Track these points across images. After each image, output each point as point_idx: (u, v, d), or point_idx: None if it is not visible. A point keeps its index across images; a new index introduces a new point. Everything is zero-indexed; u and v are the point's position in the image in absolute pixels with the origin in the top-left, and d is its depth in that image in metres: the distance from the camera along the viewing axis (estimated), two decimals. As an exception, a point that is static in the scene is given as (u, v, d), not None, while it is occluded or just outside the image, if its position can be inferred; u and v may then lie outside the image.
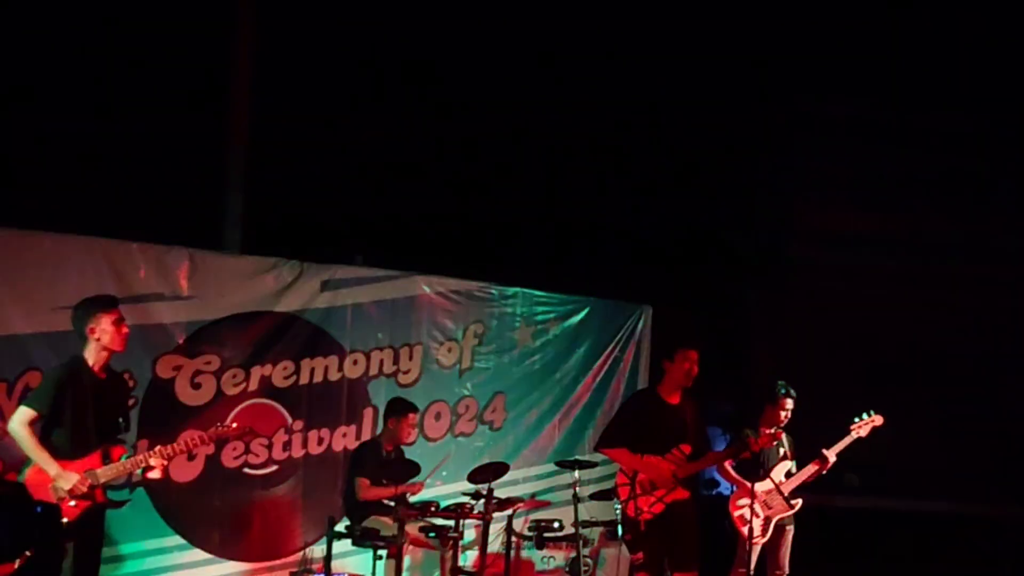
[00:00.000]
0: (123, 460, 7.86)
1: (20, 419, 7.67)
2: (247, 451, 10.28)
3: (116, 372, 8.08)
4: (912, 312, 13.26)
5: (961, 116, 13.45)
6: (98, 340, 7.80)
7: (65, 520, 7.62)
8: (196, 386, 10.04)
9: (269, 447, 10.38)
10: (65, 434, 7.71)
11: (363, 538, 9.50)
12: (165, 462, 7.98)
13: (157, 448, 7.97)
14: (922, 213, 13.31)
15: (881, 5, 12.81)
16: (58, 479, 7.60)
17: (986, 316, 13.40)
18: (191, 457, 9.90)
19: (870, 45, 13.02)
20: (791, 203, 13.04)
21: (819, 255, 13.04)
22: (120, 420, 8.00)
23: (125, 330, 7.93)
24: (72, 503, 7.64)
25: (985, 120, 13.47)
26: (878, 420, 10.16)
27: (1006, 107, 13.39)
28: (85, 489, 7.66)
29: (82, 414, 7.75)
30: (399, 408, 10.30)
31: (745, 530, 9.80)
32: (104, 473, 7.76)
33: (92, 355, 7.83)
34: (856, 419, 10.16)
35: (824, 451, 10.08)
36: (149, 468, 7.91)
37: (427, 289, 11.10)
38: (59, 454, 7.65)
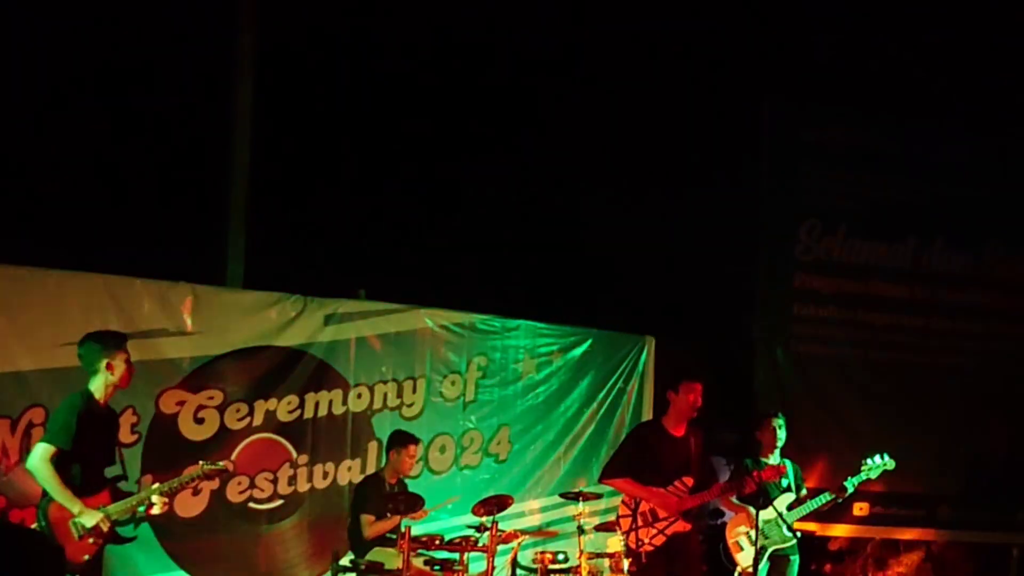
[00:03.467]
0: (131, 496, 7.85)
1: (42, 455, 7.58)
2: (252, 486, 10.28)
3: (112, 408, 8.06)
4: (917, 341, 13.25)
5: (963, 144, 13.48)
6: (111, 375, 7.80)
7: (87, 557, 7.61)
8: (199, 421, 10.05)
9: (274, 481, 10.39)
10: (79, 470, 7.68)
11: (367, 572, 9.49)
12: (166, 499, 7.97)
13: (155, 485, 7.97)
14: (926, 241, 13.32)
15: (883, 36, 12.86)
16: (80, 516, 7.58)
17: (991, 344, 13.39)
18: (196, 492, 9.93)
19: (872, 74, 13.07)
20: (794, 232, 13.03)
21: (822, 284, 13.04)
22: (116, 454, 8.01)
23: (133, 369, 7.96)
24: (91, 540, 7.64)
25: (987, 148, 13.51)
26: (891, 465, 10.14)
27: (1007, 134, 13.43)
28: (106, 527, 7.66)
29: (93, 449, 7.76)
30: (399, 440, 10.28)
31: (738, 557, 9.84)
32: (115, 509, 7.75)
33: (100, 390, 7.82)
34: (869, 460, 10.12)
35: (844, 483, 10.05)
36: (151, 505, 7.90)
37: (430, 322, 11.11)
38: (75, 490, 7.62)
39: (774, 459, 10.15)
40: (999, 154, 13.53)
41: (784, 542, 10.03)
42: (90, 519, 7.59)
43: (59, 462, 7.58)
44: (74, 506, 7.57)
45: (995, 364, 13.31)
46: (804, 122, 13.21)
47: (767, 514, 9.87)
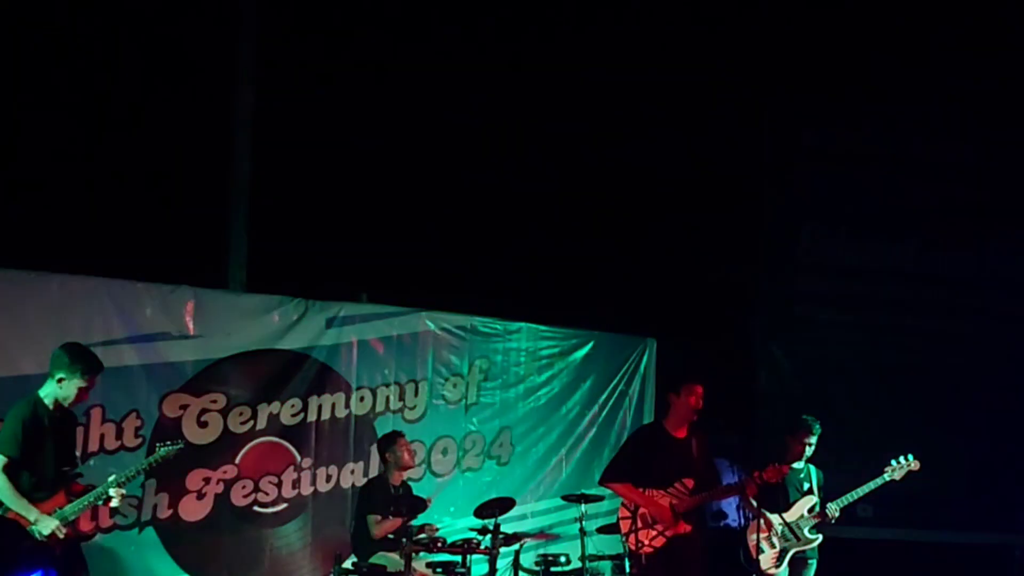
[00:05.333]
0: (86, 495, 7.85)
1: None
2: (256, 489, 10.30)
3: (67, 408, 8.05)
4: (919, 342, 13.26)
5: (962, 146, 13.50)
6: (59, 389, 7.81)
7: None
8: (203, 425, 10.06)
9: (278, 485, 10.40)
10: (32, 476, 7.70)
11: (370, 575, 9.50)
12: (123, 491, 7.96)
13: (111, 478, 7.97)
14: (926, 242, 13.33)
15: (885, 36, 12.87)
16: (37, 524, 7.61)
17: (992, 345, 13.40)
18: (200, 496, 9.96)
19: (873, 74, 13.08)
20: (796, 234, 13.05)
21: (823, 285, 13.05)
22: (76, 454, 8.03)
23: (86, 398, 8.00)
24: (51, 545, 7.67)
25: (986, 150, 13.52)
26: (915, 466, 10.09)
27: (1006, 137, 13.45)
28: (62, 535, 7.67)
29: (44, 453, 7.76)
30: (387, 440, 10.32)
31: (759, 559, 9.83)
32: (71, 510, 7.76)
33: (49, 396, 7.84)
34: (893, 462, 10.08)
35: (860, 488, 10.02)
36: (108, 499, 7.90)
37: (432, 325, 11.12)
38: (29, 497, 7.64)
39: (799, 466, 10.12)
40: (1000, 154, 13.54)
41: (804, 544, 10.00)
42: (47, 526, 7.62)
43: (10, 471, 7.61)
44: (30, 514, 7.61)
45: (997, 365, 13.32)
46: (805, 123, 13.24)
47: (789, 517, 9.90)
